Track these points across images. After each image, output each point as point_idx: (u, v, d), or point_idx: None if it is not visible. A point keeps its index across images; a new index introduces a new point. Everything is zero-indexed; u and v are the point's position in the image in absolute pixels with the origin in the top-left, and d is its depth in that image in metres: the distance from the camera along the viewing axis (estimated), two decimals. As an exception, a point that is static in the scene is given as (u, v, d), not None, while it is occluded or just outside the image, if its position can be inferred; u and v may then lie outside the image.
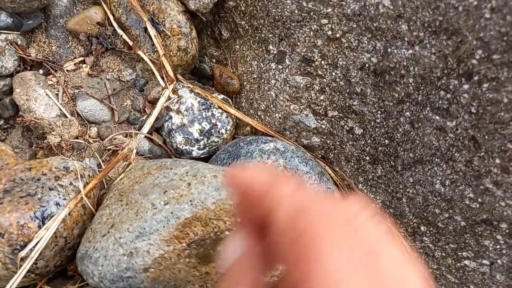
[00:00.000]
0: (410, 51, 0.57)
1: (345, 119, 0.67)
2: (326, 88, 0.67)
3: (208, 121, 0.72)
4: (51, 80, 0.71)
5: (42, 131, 0.68)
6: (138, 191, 0.55)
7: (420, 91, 0.58)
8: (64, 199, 0.55)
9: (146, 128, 0.70)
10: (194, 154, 0.72)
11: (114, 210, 0.55)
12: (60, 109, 0.69)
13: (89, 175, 0.60)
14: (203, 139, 0.72)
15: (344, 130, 0.68)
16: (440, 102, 0.57)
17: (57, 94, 0.70)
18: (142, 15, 0.71)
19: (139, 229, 0.50)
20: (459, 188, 0.58)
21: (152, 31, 0.71)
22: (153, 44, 0.71)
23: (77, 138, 0.69)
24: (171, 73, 0.71)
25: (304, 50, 0.67)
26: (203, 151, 0.73)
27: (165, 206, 0.51)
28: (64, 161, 0.58)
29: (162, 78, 0.72)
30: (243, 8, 0.72)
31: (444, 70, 0.55)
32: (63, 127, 0.67)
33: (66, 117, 0.69)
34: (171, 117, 0.72)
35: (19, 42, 0.70)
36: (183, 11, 0.71)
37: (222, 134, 0.73)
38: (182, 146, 0.72)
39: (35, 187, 0.54)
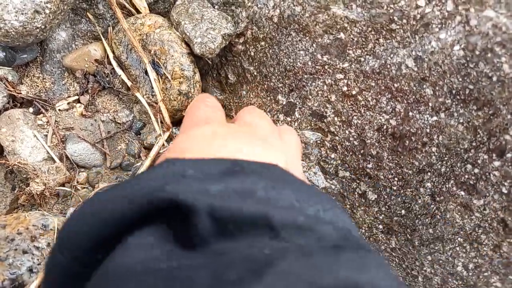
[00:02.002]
0: (435, 118, 0.52)
1: (358, 181, 0.61)
2: (338, 146, 0.61)
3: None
4: (41, 120, 0.65)
5: (26, 175, 0.62)
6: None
7: (444, 162, 0.52)
8: (39, 264, 0.49)
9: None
10: None
11: (94, 280, 0.48)
12: (47, 152, 0.63)
13: (71, 233, 0.54)
14: None
15: (356, 193, 0.62)
16: (466, 176, 0.51)
17: (46, 135, 0.65)
18: (143, 56, 0.66)
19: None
20: (484, 274, 0.51)
21: (152, 74, 0.66)
22: (153, 87, 0.66)
23: (63, 185, 0.63)
24: (167, 119, 0.65)
25: (316, 104, 0.62)
26: None
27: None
28: (43, 217, 0.52)
29: (160, 123, 0.67)
30: (252, 54, 0.67)
31: (473, 142, 0.50)
32: (49, 173, 0.61)
33: (53, 161, 0.63)
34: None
35: (10, 78, 0.65)
36: (188, 53, 0.66)
37: None
38: None
39: (7, 249, 0.48)
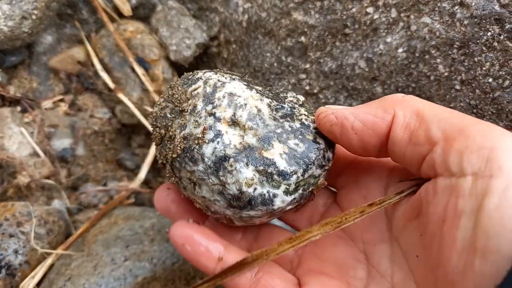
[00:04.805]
0: (384, 114, 0.57)
1: (321, 173, 0.66)
2: (303, 141, 0.67)
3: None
4: (28, 118, 0.70)
5: (14, 169, 0.66)
6: (101, 242, 0.53)
7: (393, 154, 0.58)
8: (24, 246, 0.53)
9: (143, 173, 0.69)
10: (279, 204, 0.36)
11: (74, 261, 0.53)
12: (33, 148, 0.68)
13: (53, 220, 0.59)
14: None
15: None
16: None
17: (32, 132, 0.69)
18: (128, 54, 0.71)
19: (95, 286, 0.48)
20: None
21: (140, 70, 0.71)
22: (137, 86, 0.71)
23: (48, 178, 0.68)
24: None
25: (282, 102, 0.67)
26: (293, 196, 0.37)
27: (124, 262, 0.50)
28: (27, 206, 0.57)
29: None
30: (225, 56, 0.73)
31: (417, 135, 0.55)
32: (35, 167, 0.66)
33: (39, 156, 0.68)
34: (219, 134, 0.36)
35: (-1, 79, 0.69)
36: (166, 56, 0.71)
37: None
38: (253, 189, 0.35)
39: (-6, 233, 0.53)
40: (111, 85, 0.73)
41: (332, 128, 0.34)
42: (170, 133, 0.36)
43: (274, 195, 0.34)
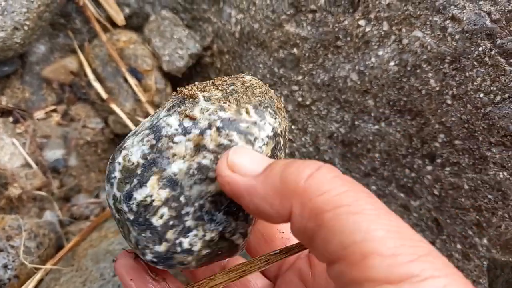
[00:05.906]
0: (376, 127, 0.57)
1: (314, 185, 0.66)
2: (296, 153, 0.66)
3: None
4: (20, 129, 0.70)
5: (5, 181, 0.66)
6: (91, 257, 0.53)
7: (386, 167, 0.57)
8: (13, 261, 0.53)
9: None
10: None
11: (64, 276, 0.53)
12: (25, 159, 0.68)
13: (44, 233, 0.58)
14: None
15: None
16: (405, 180, 0.56)
17: (24, 143, 0.69)
18: (121, 65, 0.71)
19: (84, 302, 0.48)
20: (422, 268, 0.56)
21: (132, 81, 0.71)
22: (130, 96, 0.70)
23: (40, 189, 0.68)
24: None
25: (275, 114, 0.67)
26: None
27: (113, 277, 0.49)
28: (17, 220, 0.57)
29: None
30: (218, 66, 0.72)
31: (409, 149, 0.55)
32: (27, 178, 0.66)
33: (31, 167, 0.68)
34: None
35: (-10, 89, 0.69)
36: (159, 66, 0.71)
37: None
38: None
39: (-17, 248, 0.53)
40: (104, 95, 0.72)
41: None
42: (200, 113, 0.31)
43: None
